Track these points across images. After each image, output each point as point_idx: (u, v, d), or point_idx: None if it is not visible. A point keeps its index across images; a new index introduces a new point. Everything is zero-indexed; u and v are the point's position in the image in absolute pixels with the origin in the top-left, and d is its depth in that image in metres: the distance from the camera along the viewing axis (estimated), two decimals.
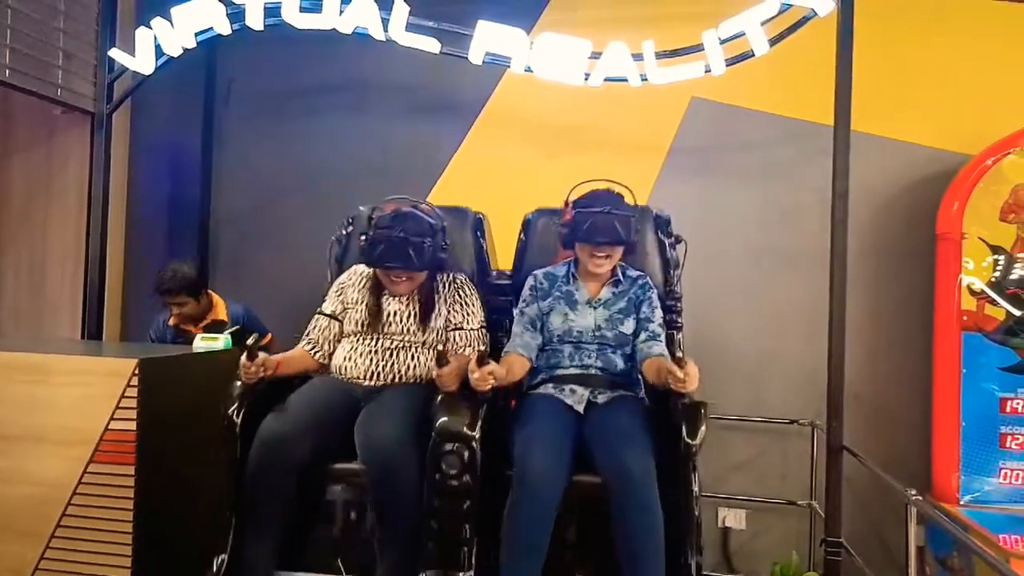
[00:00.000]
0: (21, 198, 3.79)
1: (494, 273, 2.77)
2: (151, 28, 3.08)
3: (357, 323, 2.38)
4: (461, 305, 2.40)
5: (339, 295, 2.47)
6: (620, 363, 2.32)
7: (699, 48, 2.78)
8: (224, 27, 2.98)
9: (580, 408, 2.20)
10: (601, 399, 2.24)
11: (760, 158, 3.35)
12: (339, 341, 2.44)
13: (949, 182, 3.01)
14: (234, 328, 3.04)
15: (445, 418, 2.03)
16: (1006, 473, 2.79)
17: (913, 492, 2.18)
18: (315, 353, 2.43)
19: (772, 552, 3.04)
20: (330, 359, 2.42)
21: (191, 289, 3.09)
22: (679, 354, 2.02)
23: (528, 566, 1.96)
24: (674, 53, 2.84)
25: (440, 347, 2.15)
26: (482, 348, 2.34)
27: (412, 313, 2.37)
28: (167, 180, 3.82)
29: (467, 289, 2.45)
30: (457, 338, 2.37)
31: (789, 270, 3.31)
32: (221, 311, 3.15)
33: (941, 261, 2.97)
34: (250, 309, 3.21)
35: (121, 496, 2.25)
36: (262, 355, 2.13)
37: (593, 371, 2.29)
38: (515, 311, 2.44)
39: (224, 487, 2.18)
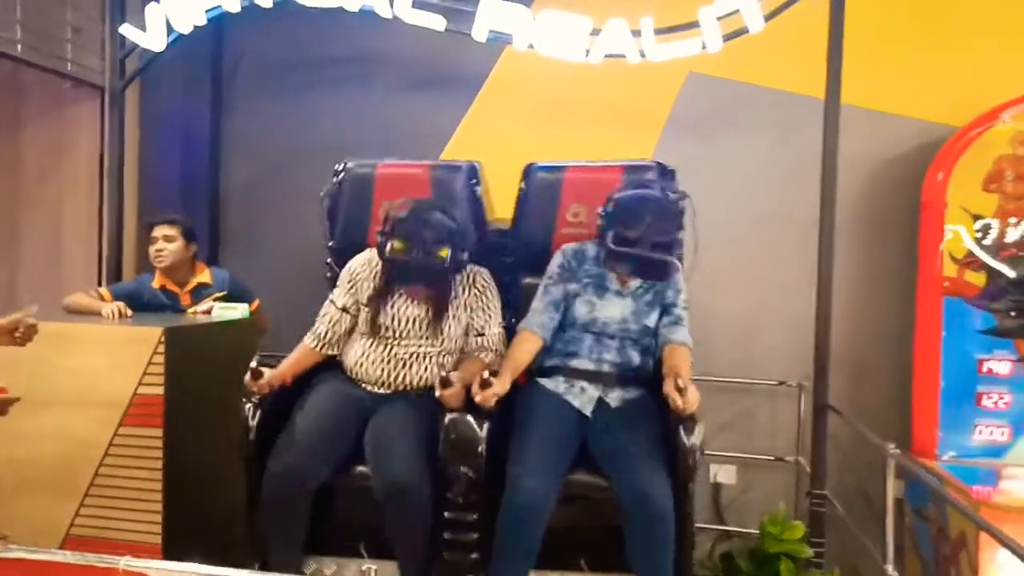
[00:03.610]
0: (35, 173, 3.86)
1: (493, 229, 2.78)
2: (160, 2, 3.15)
3: (368, 324, 2.34)
4: (483, 309, 2.36)
5: (351, 287, 2.40)
6: (637, 359, 2.32)
7: (696, 25, 2.87)
8: (233, 5, 3.05)
9: (587, 411, 2.24)
10: (613, 400, 2.25)
11: (752, 130, 3.44)
12: (349, 334, 2.42)
13: (934, 153, 3.11)
14: (220, 293, 3.03)
15: (451, 444, 2.09)
16: (981, 430, 2.94)
17: (893, 447, 2.34)
18: (321, 348, 2.41)
19: (761, 505, 3.21)
20: (337, 350, 2.42)
21: (185, 227, 3.03)
22: (680, 384, 2.01)
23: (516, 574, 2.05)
24: (671, 30, 2.93)
25: (442, 374, 2.14)
26: (486, 374, 2.15)
27: (429, 319, 2.31)
28: (177, 154, 3.88)
29: (489, 289, 2.40)
30: (478, 343, 2.35)
31: (778, 238, 3.42)
32: (206, 275, 3.10)
33: (924, 229, 3.08)
34: (235, 275, 3.19)
35: (150, 456, 2.41)
36: (267, 373, 2.18)
37: (606, 367, 2.28)
38: (541, 285, 2.40)
39: (246, 498, 2.26)
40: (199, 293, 3.04)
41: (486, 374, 2.08)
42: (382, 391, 2.32)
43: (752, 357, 3.43)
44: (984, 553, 2.46)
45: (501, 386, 2.09)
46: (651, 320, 2.32)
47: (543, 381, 2.33)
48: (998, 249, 2.97)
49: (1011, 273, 2.96)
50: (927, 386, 3.00)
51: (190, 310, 2.96)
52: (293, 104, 3.75)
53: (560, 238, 2.58)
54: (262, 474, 2.14)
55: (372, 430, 2.19)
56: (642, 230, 2.16)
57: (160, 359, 2.40)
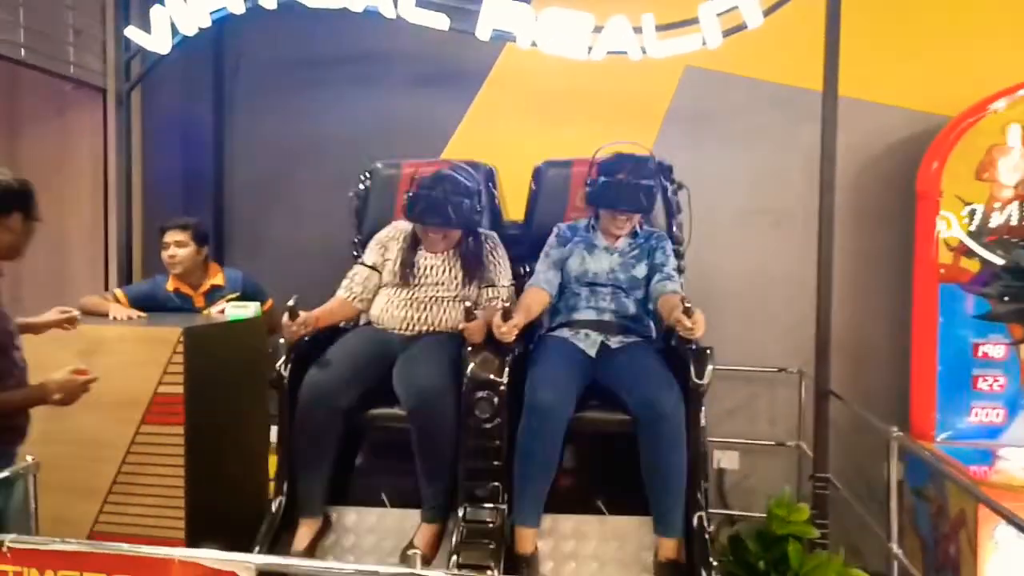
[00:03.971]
0: (37, 175, 3.84)
1: (507, 224, 3.00)
2: (164, 5, 3.17)
3: (395, 274, 2.56)
4: (494, 264, 2.60)
5: (380, 248, 2.63)
6: (632, 308, 2.51)
7: (694, 21, 2.93)
8: (238, 6, 3.08)
9: (592, 352, 2.41)
10: (614, 344, 2.43)
11: (750, 123, 3.51)
12: (377, 290, 2.61)
13: (928, 143, 3.19)
14: (233, 295, 3.05)
15: (476, 368, 2.24)
16: (977, 412, 3.04)
17: (895, 429, 2.42)
18: (353, 300, 2.59)
19: (763, 490, 3.30)
20: (367, 306, 2.61)
21: (196, 231, 3.04)
22: (687, 305, 2.14)
23: (538, 484, 2.21)
24: (671, 26, 2.98)
25: (467, 303, 2.34)
26: (507, 304, 2.45)
27: (449, 268, 2.55)
28: (179, 154, 3.90)
29: (498, 248, 2.65)
30: (490, 293, 2.57)
31: (776, 228, 3.51)
32: (219, 277, 3.12)
33: (920, 218, 3.16)
34: (248, 275, 3.22)
35: (172, 453, 2.46)
36: (303, 314, 2.29)
37: (607, 316, 2.48)
38: (541, 253, 2.63)
39: (277, 434, 2.39)
40: (213, 295, 3.07)
41: (507, 304, 2.30)
42: (408, 333, 2.50)
43: (751, 345, 3.51)
44: (983, 529, 2.55)
45: (521, 319, 2.28)
46: (639, 271, 2.53)
47: (551, 334, 2.53)
48: (983, 235, 3.05)
49: (1001, 259, 3.03)
50: (925, 370, 3.09)
51: (204, 312, 2.99)
52: (296, 103, 3.79)
53: (569, 221, 2.79)
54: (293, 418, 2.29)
55: (400, 363, 2.37)
56: (622, 175, 2.45)
57: (180, 358, 2.45)
